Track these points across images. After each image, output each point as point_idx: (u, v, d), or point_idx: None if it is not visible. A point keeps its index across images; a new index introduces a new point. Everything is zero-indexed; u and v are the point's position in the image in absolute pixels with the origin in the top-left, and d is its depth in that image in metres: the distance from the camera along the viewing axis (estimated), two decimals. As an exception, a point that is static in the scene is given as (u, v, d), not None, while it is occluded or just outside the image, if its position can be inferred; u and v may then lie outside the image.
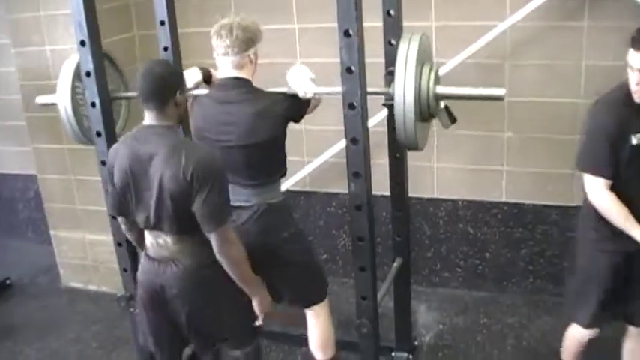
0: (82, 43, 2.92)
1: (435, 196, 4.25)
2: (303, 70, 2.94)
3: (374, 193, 2.66)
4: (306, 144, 4.33)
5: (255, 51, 2.92)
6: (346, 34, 2.37)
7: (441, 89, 2.74)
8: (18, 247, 5.46)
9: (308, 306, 3.19)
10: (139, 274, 2.77)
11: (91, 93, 2.98)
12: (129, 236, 2.92)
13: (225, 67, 2.92)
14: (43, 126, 4.51)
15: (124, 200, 2.63)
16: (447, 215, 4.27)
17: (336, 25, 2.38)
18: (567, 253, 4.08)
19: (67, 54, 4.12)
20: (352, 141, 2.52)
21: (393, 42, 3.01)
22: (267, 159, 2.94)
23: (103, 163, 3.08)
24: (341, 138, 2.57)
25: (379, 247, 3.66)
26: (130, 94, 3.34)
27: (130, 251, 3.21)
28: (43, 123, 4.50)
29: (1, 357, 4.08)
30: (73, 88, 3.21)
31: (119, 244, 3.24)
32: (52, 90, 4.26)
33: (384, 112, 3.28)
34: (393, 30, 3.00)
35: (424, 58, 2.75)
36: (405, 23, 3.05)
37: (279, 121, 2.89)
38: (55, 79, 4.21)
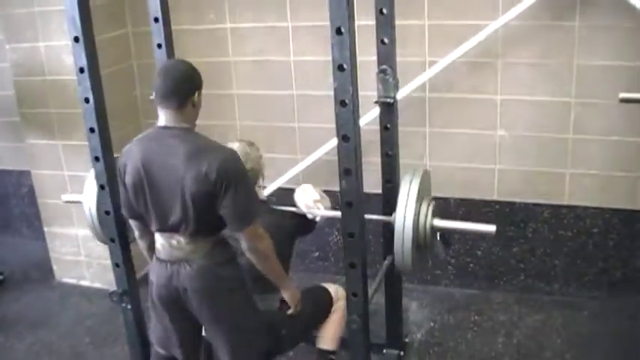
0: (76, 39, 2.91)
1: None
2: (310, 193, 3.16)
3: (366, 190, 2.67)
4: (299, 141, 4.35)
5: (261, 180, 3.11)
6: (338, 31, 2.37)
7: (437, 222, 2.97)
8: (11, 243, 5.46)
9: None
10: (151, 277, 2.75)
11: (84, 89, 2.98)
12: (140, 244, 2.92)
13: None
14: (36, 122, 4.51)
15: (135, 200, 2.63)
16: (439, 213, 4.27)
17: (328, 22, 2.38)
18: (558, 252, 4.11)
19: (60, 50, 4.16)
20: (343, 138, 2.52)
21: (386, 40, 3.03)
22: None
23: (97, 159, 3.08)
24: (333, 135, 2.58)
25: (370, 244, 3.67)
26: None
27: (122, 247, 3.21)
28: (36, 119, 4.50)
29: (-7, 352, 4.09)
30: (99, 193, 3.22)
31: (112, 240, 3.24)
32: (45, 87, 4.30)
33: (376, 110, 3.29)
34: (386, 28, 3.01)
35: (424, 193, 3.00)
36: (398, 22, 3.06)
37: (287, 234, 3.12)
38: (49, 75, 4.27)
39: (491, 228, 2.90)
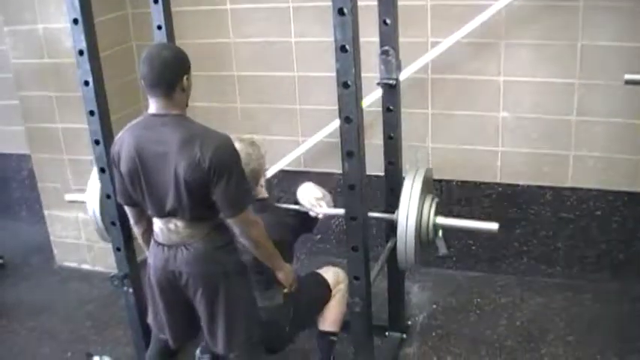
0: (75, 21, 2.88)
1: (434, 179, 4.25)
2: (312, 191, 3.15)
3: (368, 172, 2.65)
4: (301, 123, 4.32)
5: (263, 179, 3.11)
6: (340, 12, 2.35)
7: (440, 220, 3.02)
8: (11, 227, 5.45)
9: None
10: (149, 260, 2.76)
11: (84, 71, 2.96)
12: (135, 230, 2.92)
13: None
14: (35, 105, 4.48)
15: (132, 187, 2.62)
16: (441, 195, 4.27)
17: (330, 3, 2.36)
18: (561, 234, 4.10)
19: (59, 32, 4.13)
20: (346, 120, 2.51)
21: (388, 21, 3.01)
22: None
23: (97, 142, 3.07)
24: (335, 117, 2.57)
25: (373, 227, 3.67)
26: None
27: (123, 230, 3.20)
28: (35, 102, 4.47)
29: (-6, 336, 4.09)
30: (102, 198, 3.25)
31: (112, 224, 3.23)
32: (44, 69, 4.27)
33: (379, 91, 3.27)
34: (388, 9, 2.98)
35: (427, 190, 3.04)
36: (400, 2, 3.03)
37: (290, 231, 3.13)
38: (48, 57, 4.24)
39: (493, 226, 2.95)
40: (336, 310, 3.29)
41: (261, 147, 3.06)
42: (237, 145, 2.85)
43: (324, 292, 3.26)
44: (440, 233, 3.03)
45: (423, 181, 2.97)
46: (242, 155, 2.71)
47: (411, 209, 2.91)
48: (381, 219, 3.29)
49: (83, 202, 3.45)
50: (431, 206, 3.01)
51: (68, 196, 3.69)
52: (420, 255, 3.05)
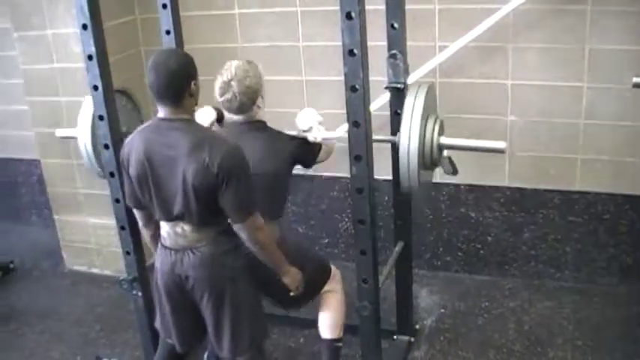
0: (84, 27, 2.90)
1: (437, 180, 4.24)
2: (312, 114, 3.04)
3: (376, 176, 2.66)
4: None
5: (261, 98, 2.97)
6: (348, 16, 2.36)
7: (444, 140, 2.89)
8: (21, 231, 5.47)
9: (318, 292, 3.23)
10: (156, 264, 2.77)
11: (93, 76, 2.97)
12: (144, 233, 2.93)
13: (235, 118, 2.99)
14: (45, 110, 4.50)
15: (140, 191, 2.63)
16: (449, 199, 4.27)
17: (338, 7, 2.37)
18: (569, 238, 4.09)
19: (68, 38, 4.15)
20: (354, 124, 2.51)
21: (396, 25, 3.01)
22: (268, 193, 2.93)
23: (106, 146, 3.08)
24: (344, 121, 2.57)
25: (381, 231, 3.68)
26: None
27: (132, 234, 3.22)
28: (45, 107, 4.50)
29: (4, 339, 4.10)
30: (94, 123, 3.20)
31: (122, 228, 3.24)
32: (53, 75, 4.29)
33: (387, 95, 3.27)
34: (396, 13, 2.99)
35: (430, 110, 2.88)
36: (408, 6, 3.04)
37: (287, 159, 3.00)
38: (57, 62, 4.25)
39: (500, 145, 2.84)
40: (336, 315, 3.25)
41: (259, 69, 2.97)
42: (235, 62, 2.87)
43: (323, 276, 3.23)
44: (445, 153, 2.92)
45: (425, 100, 2.80)
46: (239, 72, 2.76)
47: (413, 129, 2.76)
48: (381, 140, 3.00)
49: (74, 138, 3.39)
50: (434, 126, 2.86)
51: (59, 132, 3.60)
52: (425, 179, 2.89)
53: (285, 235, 3.17)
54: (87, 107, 3.26)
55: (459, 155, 4.06)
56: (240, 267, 2.73)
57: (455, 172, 2.99)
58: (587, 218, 4.02)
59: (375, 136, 2.66)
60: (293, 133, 3.05)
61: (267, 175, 2.90)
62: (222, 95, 2.89)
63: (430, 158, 2.87)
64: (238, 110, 2.93)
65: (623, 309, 3.87)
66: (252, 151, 2.77)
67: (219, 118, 3.12)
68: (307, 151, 3.07)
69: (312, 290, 3.16)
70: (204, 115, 3.05)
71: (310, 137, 3.01)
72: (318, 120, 3.03)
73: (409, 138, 2.76)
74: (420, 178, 2.83)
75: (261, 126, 3.03)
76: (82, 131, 3.30)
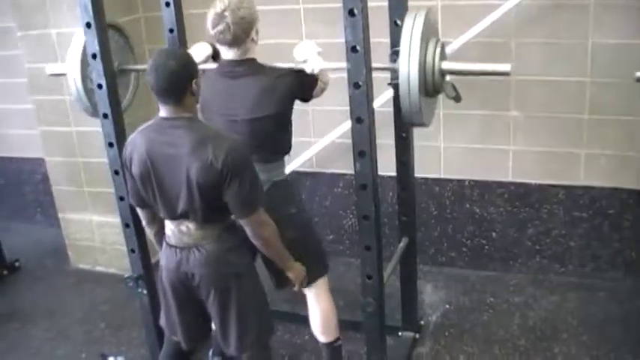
0: (88, 25, 2.91)
1: (441, 175, 4.25)
2: (311, 46, 2.92)
3: (380, 173, 2.66)
4: (313, 124, 4.33)
5: (255, 31, 2.86)
6: (351, 13, 2.36)
7: (446, 65, 2.75)
8: (26, 230, 5.49)
9: (308, 283, 3.10)
10: (161, 262, 2.77)
11: (98, 74, 2.98)
12: (148, 231, 2.94)
13: (227, 53, 2.88)
14: (49, 108, 4.52)
15: (144, 190, 2.64)
16: (453, 195, 4.27)
17: (341, 4, 2.37)
18: (573, 233, 4.09)
19: (72, 36, 4.14)
20: (357, 120, 2.52)
21: (399, 22, 3.00)
22: (271, 135, 2.93)
23: (110, 144, 3.09)
24: (347, 118, 2.57)
25: (385, 227, 3.67)
26: (139, 67, 3.38)
27: (137, 232, 3.23)
28: (49, 105, 4.51)
29: (9, 338, 4.11)
30: (83, 59, 3.16)
31: (127, 226, 3.25)
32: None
33: (390, 92, 3.27)
34: (399, 9, 2.98)
35: (429, 35, 2.74)
36: (411, 2, 3.03)
37: (285, 95, 2.89)
38: (62, 61, 4.25)
39: (505, 67, 2.73)
40: (328, 319, 3.21)
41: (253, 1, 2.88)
42: None
43: (320, 264, 3.17)
44: (447, 78, 2.78)
45: (424, 23, 2.66)
46: (232, 2, 2.71)
47: (412, 53, 2.62)
48: (380, 69, 2.86)
49: (64, 74, 3.36)
50: (435, 50, 2.73)
51: (49, 69, 3.54)
52: (427, 108, 2.80)
53: (303, 206, 3.20)
54: (76, 43, 3.20)
55: (463, 152, 4.09)
56: (245, 264, 2.74)
57: (458, 98, 2.86)
58: (592, 213, 4.02)
59: (375, 64, 2.61)
60: (288, 65, 2.93)
61: (269, 117, 2.85)
62: (214, 27, 2.77)
63: (432, 84, 2.75)
64: (232, 42, 2.80)
65: (628, 304, 3.87)
66: (251, 96, 2.78)
67: (215, 55, 3.08)
68: (306, 84, 2.96)
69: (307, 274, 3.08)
70: (200, 51, 3.02)
71: (308, 69, 2.88)
72: (316, 51, 2.91)
73: (409, 63, 2.62)
74: (422, 106, 2.73)
75: (255, 66, 2.91)
76: (71, 67, 3.24)
